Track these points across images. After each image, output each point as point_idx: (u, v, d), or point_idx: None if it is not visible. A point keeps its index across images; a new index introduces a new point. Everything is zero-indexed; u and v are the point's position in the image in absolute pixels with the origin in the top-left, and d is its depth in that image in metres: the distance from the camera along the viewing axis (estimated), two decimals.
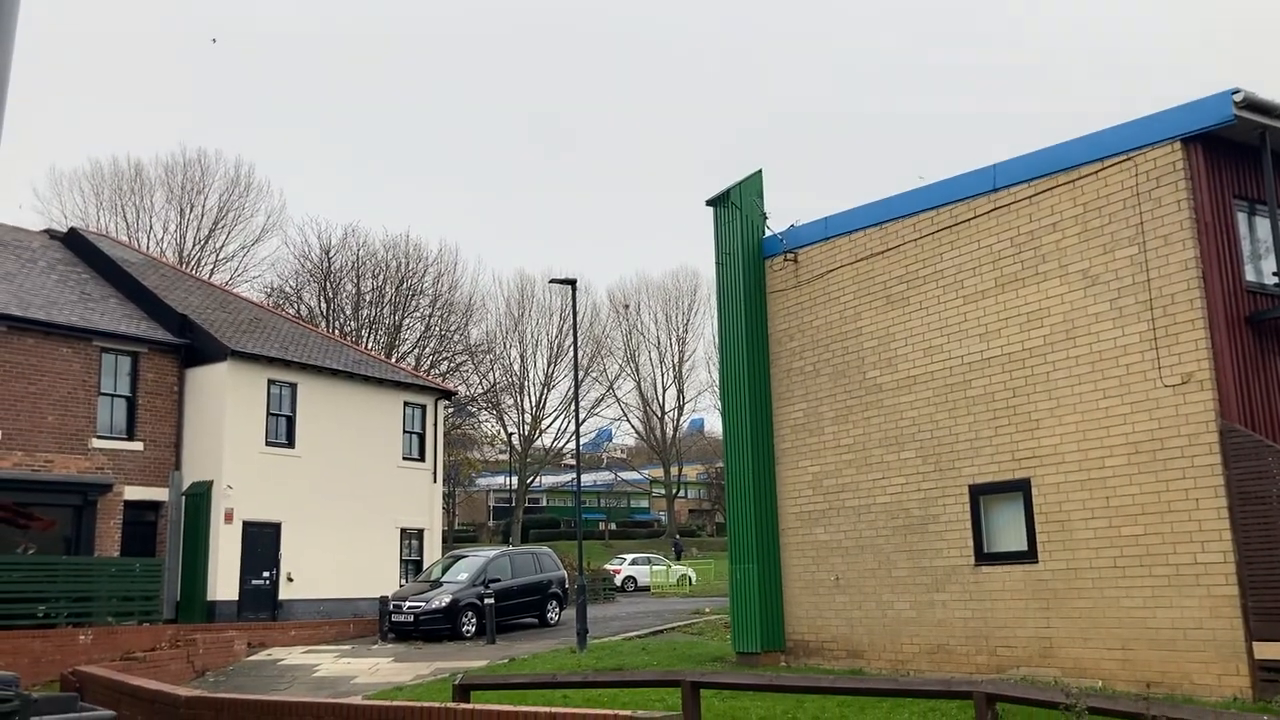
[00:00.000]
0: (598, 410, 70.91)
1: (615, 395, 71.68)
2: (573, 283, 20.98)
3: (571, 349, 65.45)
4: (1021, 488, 14.61)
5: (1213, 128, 13.03)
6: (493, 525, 78.08)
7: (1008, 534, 14.84)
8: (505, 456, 71.24)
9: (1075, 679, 13.48)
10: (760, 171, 19.37)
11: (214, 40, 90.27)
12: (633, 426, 78.47)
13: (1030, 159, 15.03)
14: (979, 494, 15.19)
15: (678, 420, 76.92)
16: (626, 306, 73.10)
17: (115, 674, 13.25)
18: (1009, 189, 15.17)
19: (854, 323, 17.25)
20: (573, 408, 66.92)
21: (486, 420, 66.29)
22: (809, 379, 17.91)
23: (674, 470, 77.32)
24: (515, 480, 69.34)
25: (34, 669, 19.73)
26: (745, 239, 18.81)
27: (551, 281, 23.23)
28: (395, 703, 9.45)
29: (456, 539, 62.65)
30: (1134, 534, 13.26)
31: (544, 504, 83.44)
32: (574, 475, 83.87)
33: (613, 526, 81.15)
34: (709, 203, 19.38)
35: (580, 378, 65.70)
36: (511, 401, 66.04)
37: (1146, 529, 13.14)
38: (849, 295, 17.41)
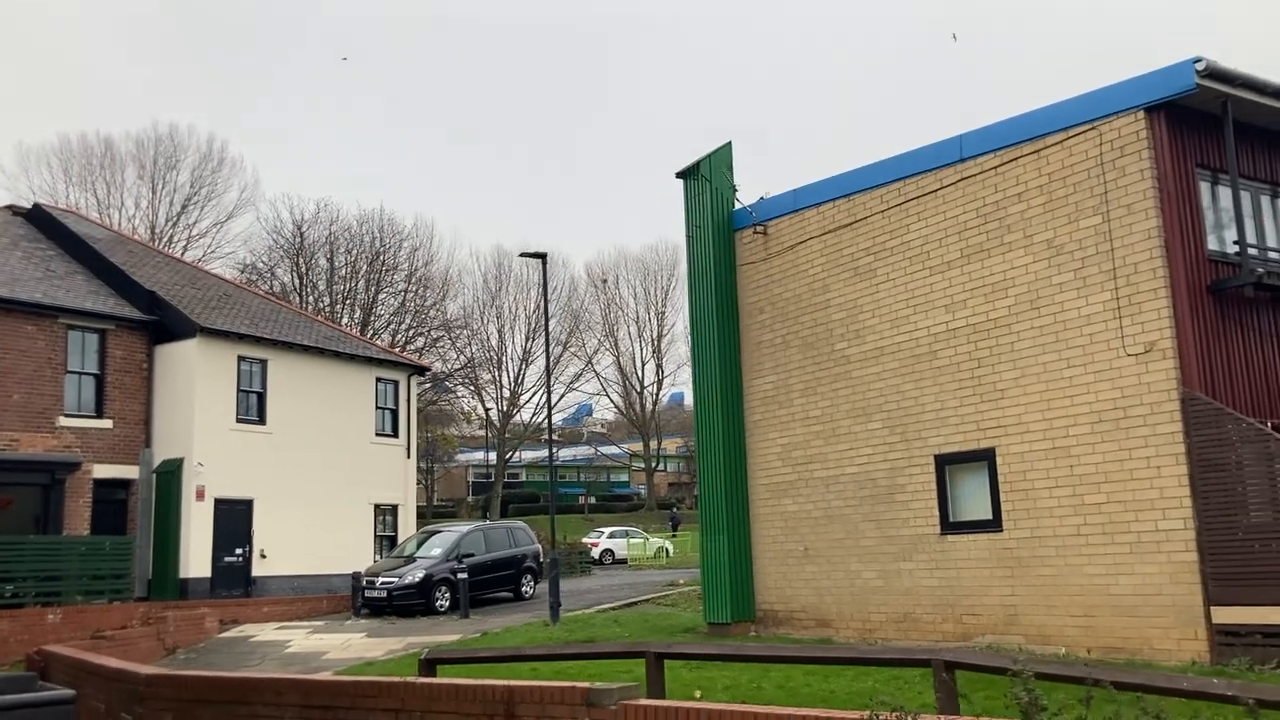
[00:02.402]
0: (576, 385, 70.93)
1: (594, 370, 71.64)
2: (543, 256, 20.90)
3: (550, 323, 65.75)
4: (986, 457, 14.69)
5: (1176, 96, 13.05)
6: (472, 500, 78.01)
7: (973, 503, 14.93)
8: (484, 432, 71.15)
9: (1040, 646, 13.63)
10: (730, 144, 19.30)
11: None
12: (612, 401, 78.56)
13: (997, 129, 15.03)
14: (945, 464, 15.27)
15: (657, 394, 76.97)
16: (605, 281, 72.89)
17: (79, 653, 13.17)
18: (975, 159, 15.17)
19: (822, 295, 17.25)
20: (551, 382, 67.15)
21: (464, 396, 66.18)
22: (778, 351, 17.91)
23: (653, 444, 77.43)
24: (494, 456, 69.29)
25: (2, 649, 19.63)
26: (715, 211, 18.76)
27: (522, 255, 23.20)
28: (356, 678, 9.44)
29: (436, 514, 62.62)
30: (1097, 502, 13.36)
31: (524, 479, 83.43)
32: (555, 449, 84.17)
33: (592, 500, 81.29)
34: (679, 175, 19.31)
35: (559, 353, 66.16)
36: (490, 377, 65.94)
37: (1109, 497, 13.24)
38: (818, 268, 17.40)
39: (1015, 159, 14.64)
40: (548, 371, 23.93)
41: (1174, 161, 13.24)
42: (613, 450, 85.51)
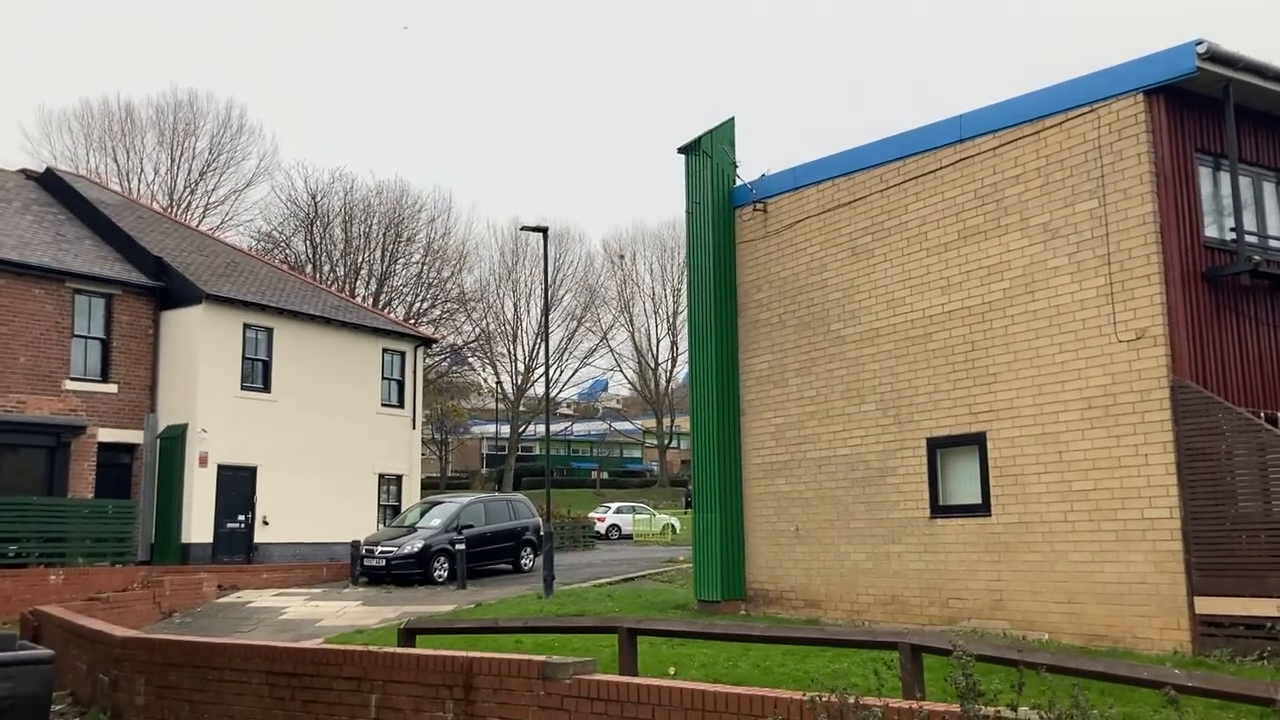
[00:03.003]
0: (590, 360, 71.01)
1: (609, 345, 71.65)
2: (544, 230, 20.86)
3: (564, 298, 65.86)
4: (977, 441, 14.59)
5: (1175, 79, 12.83)
6: (486, 473, 78.40)
7: (963, 487, 14.84)
8: (499, 405, 71.37)
9: (1024, 631, 13.58)
10: (732, 119, 19.15)
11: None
12: (626, 377, 78.60)
13: (997, 109, 14.83)
14: (936, 447, 15.18)
15: (671, 371, 76.94)
16: (621, 256, 72.79)
17: (66, 614, 13.32)
18: (974, 140, 14.98)
19: (820, 274, 17.14)
20: (564, 357, 67.26)
21: (478, 369, 66.39)
22: (775, 330, 17.82)
23: (667, 421, 77.45)
24: (508, 429, 69.51)
25: (4, 608, 19.90)
26: (716, 188, 18.62)
27: (524, 229, 23.12)
28: (321, 645, 9.50)
29: (450, 486, 62.96)
30: (1084, 489, 13.25)
31: (537, 452, 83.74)
32: (568, 424, 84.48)
33: (605, 476, 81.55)
34: (680, 150, 19.18)
35: (574, 328, 66.22)
36: (504, 350, 66.11)
37: (1096, 484, 13.13)
38: (816, 246, 17.27)
39: (1014, 140, 14.45)
40: (545, 344, 23.92)
41: (1172, 146, 13.03)
42: (626, 426, 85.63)
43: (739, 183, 18.66)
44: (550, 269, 64.43)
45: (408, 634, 11.75)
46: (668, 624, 10.45)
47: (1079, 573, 13.25)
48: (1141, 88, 13.03)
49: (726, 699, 6.38)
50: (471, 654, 8.12)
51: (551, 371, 66.71)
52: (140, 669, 10.07)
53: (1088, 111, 13.59)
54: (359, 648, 8.82)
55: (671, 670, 11.46)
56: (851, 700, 5.98)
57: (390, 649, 8.71)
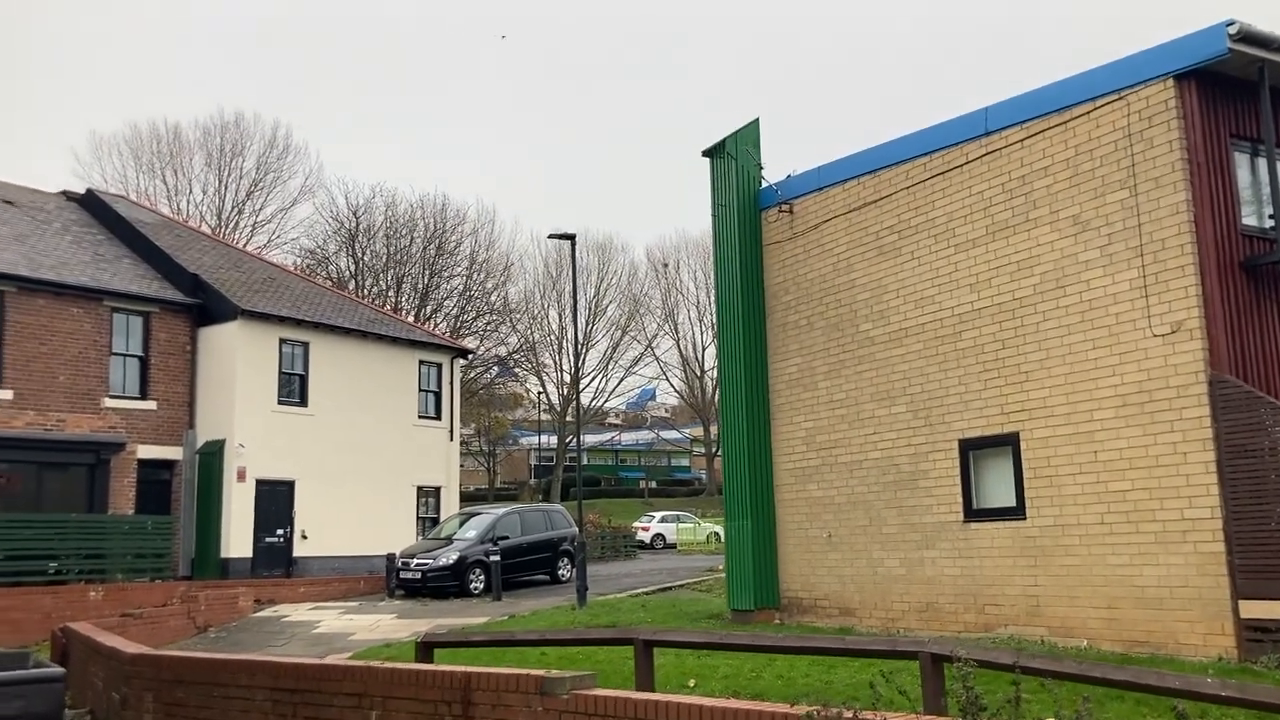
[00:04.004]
0: (636, 369, 70.80)
1: (654, 354, 71.38)
2: (572, 237, 20.73)
3: (608, 308, 65.81)
4: (1010, 442, 14.15)
5: (1207, 62, 12.35)
6: (534, 483, 78.43)
7: (996, 490, 14.40)
8: (545, 416, 71.36)
9: (1062, 639, 13.12)
10: (757, 120, 18.86)
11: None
12: (672, 386, 78.31)
13: (1023, 100, 14.41)
14: (968, 449, 14.75)
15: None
16: (665, 265, 72.53)
17: (88, 631, 13.33)
18: (1001, 132, 14.57)
19: (847, 274, 16.78)
20: (610, 366, 67.15)
21: (523, 379, 66.45)
22: (803, 333, 17.49)
23: (714, 429, 77.01)
24: (554, 439, 69.50)
25: (44, 624, 20.03)
26: (741, 190, 18.35)
27: (551, 236, 23.03)
28: (322, 661, 9.36)
29: (498, 497, 63.07)
30: (1121, 489, 12.77)
31: (585, 462, 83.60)
32: (615, 434, 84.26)
33: (653, 485, 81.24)
34: (705, 153, 18.94)
35: (619, 337, 66.05)
36: (550, 360, 66.14)
37: (1134, 484, 12.65)
38: (842, 246, 16.92)
39: (1042, 131, 14.02)
40: (575, 354, 23.99)
41: (1205, 132, 12.54)
42: (674, 435, 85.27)
43: (764, 184, 18.38)
44: (594, 279, 64.90)
45: (425, 648, 11.56)
46: (683, 635, 10.18)
47: (1118, 576, 12.77)
48: (1172, 72, 12.56)
49: (724, 713, 6.19)
50: (470, 669, 7.92)
51: (597, 381, 66.81)
52: (148, 686, 10.00)
53: (1116, 99, 13.14)
54: (359, 663, 8.68)
55: (691, 682, 11.18)
56: (849, 714, 5.70)
57: (390, 664, 8.56)
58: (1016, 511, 14.00)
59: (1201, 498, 11.98)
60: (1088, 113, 13.48)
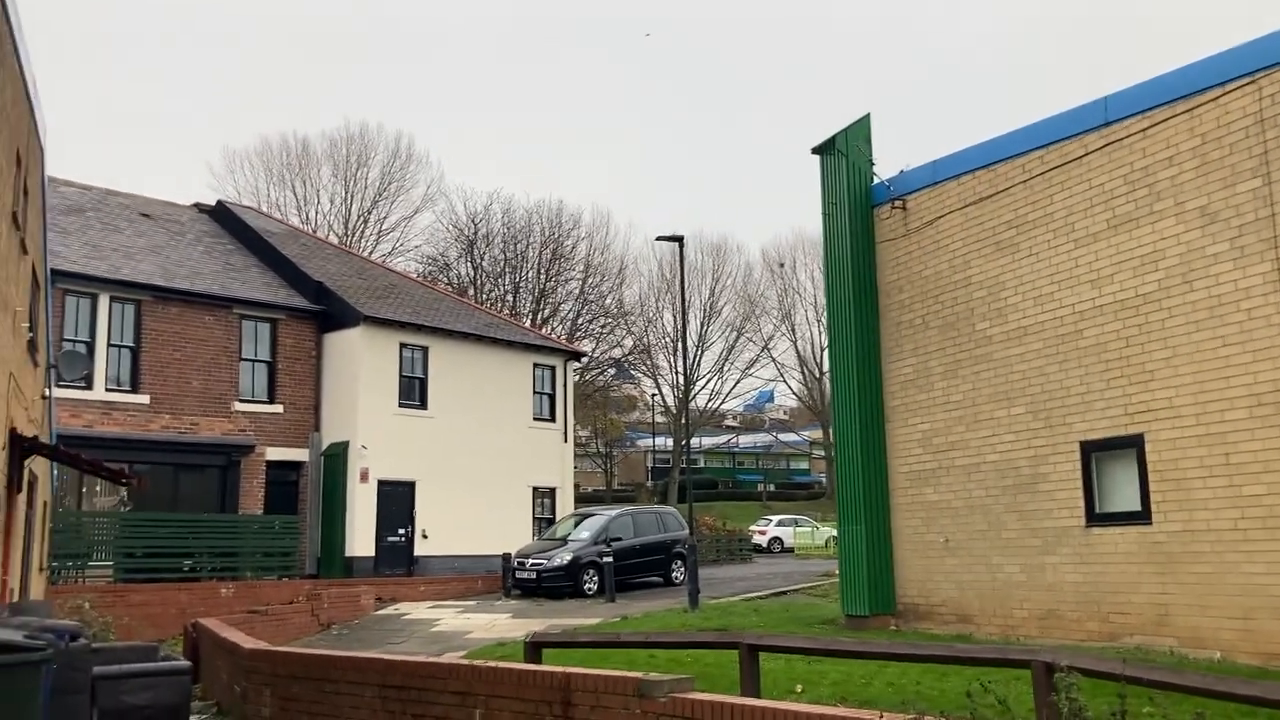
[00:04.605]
0: (752, 371, 70.38)
1: (770, 355, 70.86)
2: (680, 239, 20.71)
3: (724, 309, 65.62)
4: (1135, 444, 13.57)
5: None
6: (651, 485, 78.72)
7: (1120, 493, 13.83)
8: (662, 418, 71.55)
9: (1193, 650, 12.53)
10: (868, 116, 18.53)
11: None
12: (790, 387, 77.60)
13: (1145, 87, 13.83)
14: (1090, 451, 14.21)
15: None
16: (781, 265, 71.90)
17: (214, 626, 13.84)
18: (1122, 122, 14.00)
19: (963, 271, 16.35)
20: (725, 368, 66.91)
21: (639, 382, 66.73)
22: (918, 332, 17.11)
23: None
24: (671, 441, 69.59)
25: (179, 619, 20.90)
26: (852, 187, 18.04)
27: (659, 239, 23.04)
28: (430, 659, 9.50)
29: (616, 498, 63.48)
30: (1256, 494, 12.13)
31: (701, 465, 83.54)
32: (733, 436, 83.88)
33: (771, 488, 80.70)
34: (814, 150, 18.67)
35: (734, 339, 65.82)
36: (665, 363, 66.29)
37: (1269, 489, 12.00)
38: (957, 243, 16.50)
39: (1165, 120, 13.42)
40: (684, 355, 23.67)
41: None
42: (793, 438, 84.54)
43: (876, 181, 18.05)
44: (708, 280, 64.82)
45: (534, 648, 11.69)
46: (788, 640, 10.04)
47: (1254, 585, 12.12)
48: None
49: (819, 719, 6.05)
50: (570, 670, 7.95)
51: (712, 383, 66.61)
52: (266, 680, 10.31)
53: (1247, 83, 12.49)
54: (464, 662, 8.79)
55: (799, 688, 11.03)
56: None
57: (493, 663, 8.64)
58: (1142, 516, 13.43)
59: None
60: (1215, 98, 12.86)
